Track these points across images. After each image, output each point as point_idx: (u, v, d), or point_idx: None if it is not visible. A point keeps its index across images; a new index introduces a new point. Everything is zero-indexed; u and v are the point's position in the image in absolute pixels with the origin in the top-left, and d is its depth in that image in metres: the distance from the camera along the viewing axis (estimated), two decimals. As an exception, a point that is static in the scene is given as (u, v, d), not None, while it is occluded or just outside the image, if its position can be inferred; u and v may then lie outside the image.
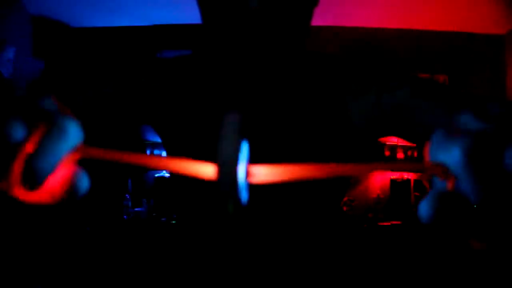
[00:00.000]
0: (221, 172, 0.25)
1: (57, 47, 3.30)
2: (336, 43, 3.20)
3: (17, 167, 0.26)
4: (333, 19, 3.10)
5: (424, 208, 0.25)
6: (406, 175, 3.13)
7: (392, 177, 3.14)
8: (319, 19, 3.27)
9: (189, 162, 0.26)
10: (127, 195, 2.96)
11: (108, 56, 3.32)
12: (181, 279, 0.74)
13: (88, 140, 0.30)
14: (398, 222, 2.90)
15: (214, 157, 0.26)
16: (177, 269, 0.76)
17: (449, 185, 0.25)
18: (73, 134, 0.27)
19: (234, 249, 0.67)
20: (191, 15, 3.19)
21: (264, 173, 0.26)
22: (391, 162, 0.27)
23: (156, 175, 3.06)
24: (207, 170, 0.26)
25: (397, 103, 0.57)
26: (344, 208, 3.02)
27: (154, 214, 2.95)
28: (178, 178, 0.66)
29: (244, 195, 0.26)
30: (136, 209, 2.97)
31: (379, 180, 3.21)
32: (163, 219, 2.88)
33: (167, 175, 3.05)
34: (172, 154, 0.69)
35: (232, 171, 0.25)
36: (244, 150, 0.26)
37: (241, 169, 0.25)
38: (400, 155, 3.05)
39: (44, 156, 0.26)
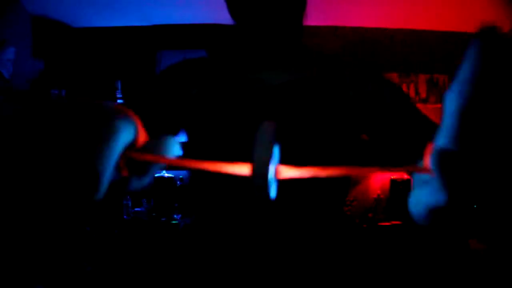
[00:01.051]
0: (256, 170, 0.30)
1: (57, 47, 3.29)
2: (336, 43, 3.20)
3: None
4: (333, 19, 3.09)
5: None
6: (406, 175, 3.13)
7: (392, 177, 3.14)
8: (319, 19, 3.27)
9: (226, 163, 0.31)
10: (127, 195, 2.96)
11: (108, 56, 3.32)
12: (180, 279, 0.74)
13: None
14: (398, 222, 2.90)
15: (243, 154, 0.32)
16: (176, 269, 0.76)
17: None
18: (125, 134, 0.28)
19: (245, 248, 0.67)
20: (191, 15, 3.19)
21: (289, 172, 0.32)
22: (391, 166, 0.31)
23: (156, 175, 3.06)
24: (242, 170, 0.31)
25: (382, 104, 0.71)
26: (344, 208, 3.02)
27: (154, 214, 2.95)
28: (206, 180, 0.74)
29: (273, 191, 0.32)
30: (136, 209, 2.97)
31: (379, 180, 3.21)
32: (163, 219, 2.88)
33: (167, 175, 3.05)
34: (202, 154, 0.74)
35: (265, 170, 0.30)
36: (275, 153, 0.31)
37: (272, 168, 0.30)
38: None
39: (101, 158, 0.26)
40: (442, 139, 0.26)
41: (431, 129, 0.63)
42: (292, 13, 0.70)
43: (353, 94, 0.73)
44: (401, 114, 0.68)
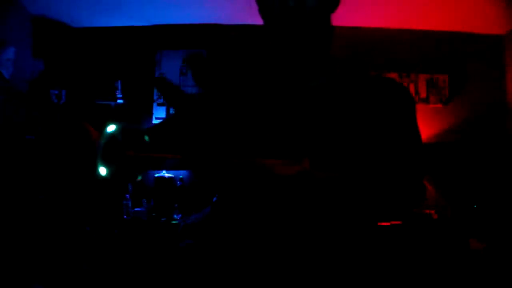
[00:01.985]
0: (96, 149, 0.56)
1: (57, 47, 3.29)
2: (336, 43, 3.19)
3: None
4: (334, 19, 3.09)
5: None
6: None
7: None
8: (319, 19, 3.26)
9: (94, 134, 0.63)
10: (127, 195, 2.96)
11: (108, 56, 3.32)
12: (180, 279, 0.74)
13: None
14: (398, 222, 2.90)
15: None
16: (176, 269, 0.77)
17: None
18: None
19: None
20: (191, 15, 3.19)
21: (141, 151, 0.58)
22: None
23: (156, 175, 3.06)
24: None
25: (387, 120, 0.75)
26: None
27: (154, 214, 2.95)
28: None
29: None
30: (136, 209, 2.97)
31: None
32: (163, 219, 2.88)
33: (167, 175, 3.05)
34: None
35: (99, 149, 0.56)
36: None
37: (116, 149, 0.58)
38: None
39: None
40: None
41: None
42: (320, 19, 0.77)
43: (371, 104, 0.75)
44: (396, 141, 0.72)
